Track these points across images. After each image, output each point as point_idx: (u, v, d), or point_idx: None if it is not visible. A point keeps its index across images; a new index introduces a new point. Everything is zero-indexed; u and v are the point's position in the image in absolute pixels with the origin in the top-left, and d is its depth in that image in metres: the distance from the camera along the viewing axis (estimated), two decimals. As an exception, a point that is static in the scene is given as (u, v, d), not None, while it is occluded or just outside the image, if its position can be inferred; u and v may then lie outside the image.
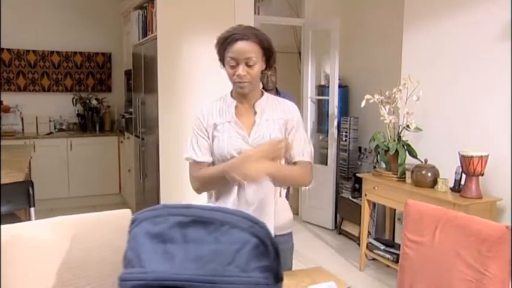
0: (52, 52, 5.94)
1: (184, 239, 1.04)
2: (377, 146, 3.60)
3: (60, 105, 5.99)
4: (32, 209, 2.55)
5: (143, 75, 4.39)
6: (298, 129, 1.83)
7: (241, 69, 1.69)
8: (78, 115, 6.03)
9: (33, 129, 5.77)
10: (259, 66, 1.73)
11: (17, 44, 5.78)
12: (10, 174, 2.89)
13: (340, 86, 5.05)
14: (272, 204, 1.79)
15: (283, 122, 1.82)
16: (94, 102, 5.92)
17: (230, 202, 1.77)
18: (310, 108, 5.22)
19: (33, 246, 1.43)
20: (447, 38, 3.46)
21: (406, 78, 3.55)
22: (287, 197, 2.20)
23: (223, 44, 1.74)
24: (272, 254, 1.11)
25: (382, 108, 3.56)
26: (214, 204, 1.83)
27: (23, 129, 5.77)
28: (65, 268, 1.46)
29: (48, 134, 5.72)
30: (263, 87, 3.62)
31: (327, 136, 5.03)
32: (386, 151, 3.52)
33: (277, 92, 3.90)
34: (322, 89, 5.20)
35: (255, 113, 1.80)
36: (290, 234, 1.92)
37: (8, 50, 5.76)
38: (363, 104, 3.60)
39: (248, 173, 1.61)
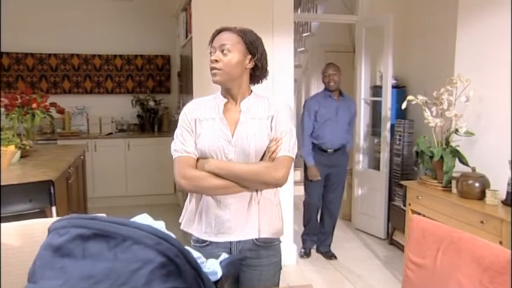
0: (115, 56, 6.22)
1: (83, 254, 0.96)
2: (421, 152, 3.29)
3: (122, 107, 6.25)
4: (53, 208, 2.64)
5: (187, 76, 4.42)
6: (280, 124, 1.73)
7: (215, 55, 1.69)
8: (138, 116, 6.25)
9: (97, 130, 6.09)
10: (236, 57, 1.69)
11: (84, 50, 6.13)
12: (45, 173, 3.01)
13: (396, 87, 4.73)
14: (254, 205, 1.71)
15: (271, 120, 1.73)
16: (151, 103, 6.11)
17: (211, 204, 1.73)
18: (364, 110, 4.95)
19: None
20: (504, 34, 3.07)
21: (456, 77, 3.21)
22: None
23: (210, 40, 1.74)
24: (188, 274, 1.01)
25: (426, 110, 3.25)
26: (191, 203, 1.79)
27: (88, 130, 6.11)
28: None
29: (108, 134, 5.99)
30: (325, 88, 4.03)
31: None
32: (431, 157, 3.21)
33: (340, 94, 4.05)
34: (377, 90, 4.90)
35: (241, 111, 1.73)
36: (276, 247, 1.79)
37: (78, 55, 6.13)
38: (404, 105, 3.32)
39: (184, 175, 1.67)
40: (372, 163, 4.97)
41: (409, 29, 4.69)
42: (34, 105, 3.96)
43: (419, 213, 3.67)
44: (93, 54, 6.16)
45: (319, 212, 4.22)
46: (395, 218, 4.42)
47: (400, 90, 4.76)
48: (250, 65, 1.74)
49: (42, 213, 2.78)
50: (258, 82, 1.83)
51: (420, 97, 3.28)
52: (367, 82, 4.93)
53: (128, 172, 5.83)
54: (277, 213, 1.79)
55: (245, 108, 1.74)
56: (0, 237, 1.40)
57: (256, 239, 1.73)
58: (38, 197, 2.58)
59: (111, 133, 6.03)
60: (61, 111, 4.34)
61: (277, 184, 1.71)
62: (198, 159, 1.74)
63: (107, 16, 6.14)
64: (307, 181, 4.09)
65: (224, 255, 1.44)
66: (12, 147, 3.33)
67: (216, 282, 1.29)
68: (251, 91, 1.80)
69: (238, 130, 1.71)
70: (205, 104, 1.79)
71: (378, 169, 4.72)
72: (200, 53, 3.65)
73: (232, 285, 1.81)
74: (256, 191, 1.72)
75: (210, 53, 1.72)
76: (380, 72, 4.95)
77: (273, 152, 1.70)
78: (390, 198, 4.65)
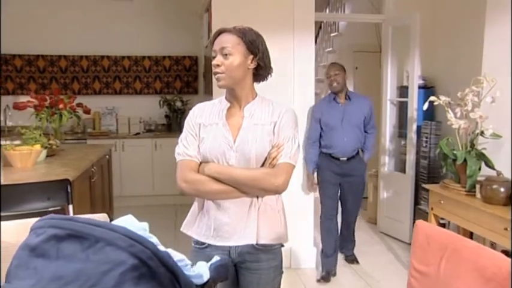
0: (144, 57, 6.33)
1: (57, 254, 0.97)
2: (444, 155, 3.18)
3: (150, 107, 6.35)
4: (70, 206, 2.70)
5: (209, 77, 4.44)
6: (282, 130, 1.71)
7: (216, 59, 1.68)
8: (165, 116, 6.34)
9: (126, 130, 6.21)
10: (238, 59, 1.67)
11: (114, 51, 6.27)
12: (67, 172, 3.09)
13: (424, 87, 4.60)
14: (254, 210, 1.70)
15: (273, 126, 1.71)
16: (179, 104, 6.18)
17: (212, 207, 1.73)
18: (390, 111, 4.83)
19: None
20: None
21: (482, 77, 3.08)
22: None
23: (211, 42, 1.73)
24: (163, 277, 1.00)
25: (450, 111, 3.13)
26: (193, 205, 1.79)
27: (117, 130, 6.24)
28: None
29: (135, 134, 6.10)
30: (331, 91, 3.67)
31: (408, 142, 4.60)
32: (454, 160, 3.09)
33: (346, 97, 3.67)
34: (403, 91, 4.78)
35: (244, 116, 1.72)
36: (276, 251, 1.76)
37: (108, 57, 6.27)
38: (425, 106, 3.22)
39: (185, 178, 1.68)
40: (398, 165, 4.85)
41: (438, 28, 4.55)
42: (61, 106, 4.07)
43: (442, 218, 3.56)
44: (122, 56, 6.29)
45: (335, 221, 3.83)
46: (421, 223, 4.29)
47: (428, 91, 4.61)
48: (253, 65, 1.73)
49: (62, 212, 2.85)
50: (262, 80, 1.81)
51: (443, 98, 3.17)
52: (393, 82, 4.81)
53: (155, 172, 5.92)
54: (279, 219, 1.76)
55: (248, 114, 1.73)
56: (0, 237, 1.43)
57: (256, 243, 1.71)
58: (55, 195, 2.65)
59: (138, 133, 6.14)
60: (87, 111, 4.46)
61: (276, 191, 1.68)
62: (201, 164, 1.74)
63: (135, 18, 6.26)
64: (320, 190, 3.80)
65: (216, 258, 1.43)
66: (37, 147, 3.43)
67: (203, 285, 1.28)
68: (256, 94, 1.79)
69: (240, 135, 1.70)
70: (210, 108, 1.79)
71: (404, 172, 4.60)
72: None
73: (232, 287, 1.80)
74: (257, 196, 1.70)
75: (213, 57, 1.71)
76: (407, 73, 4.82)
77: (273, 159, 1.68)
78: (416, 202, 4.53)
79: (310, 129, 3.70)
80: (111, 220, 1.15)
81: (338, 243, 3.83)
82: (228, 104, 1.76)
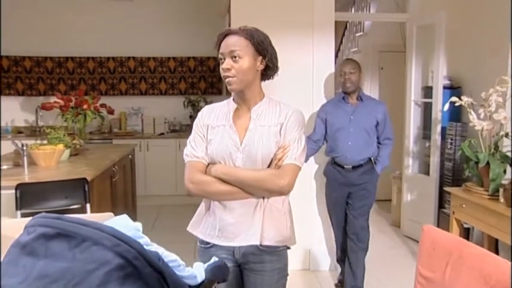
0: (169, 58, 6.41)
1: (45, 253, 0.99)
2: (467, 157, 3.08)
3: (175, 108, 6.43)
4: (88, 205, 2.76)
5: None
6: (288, 131, 1.70)
7: (225, 63, 1.66)
8: (190, 117, 6.40)
9: (151, 130, 6.30)
10: (247, 62, 1.66)
11: (140, 53, 6.38)
12: (87, 171, 3.16)
13: (450, 88, 4.47)
14: (259, 212, 1.69)
15: (280, 127, 1.70)
16: (202, 104, 6.22)
17: (218, 207, 1.73)
18: (414, 112, 4.72)
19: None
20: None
21: (508, 77, 2.98)
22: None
23: (217, 44, 1.72)
24: (150, 277, 1.01)
25: (472, 112, 3.03)
26: (200, 206, 1.80)
27: (142, 130, 6.34)
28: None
29: (160, 134, 6.18)
30: (342, 90, 3.27)
31: (433, 143, 4.49)
32: (477, 163, 2.99)
33: (358, 98, 3.27)
34: (429, 91, 4.66)
35: (251, 118, 1.72)
36: (281, 253, 1.74)
37: (134, 58, 6.39)
38: (446, 107, 3.13)
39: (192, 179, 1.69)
40: (422, 168, 4.73)
41: (465, 26, 4.41)
42: (85, 106, 4.17)
43: (465, 223, 3.45)
44: (148, 57, 6.39)
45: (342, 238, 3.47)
46: (445, 226, 4.17)
47: (455, 91, 4.48)
48: (262, 66, 1.72)
49: (81, 210, 2.92)
50: (268, 79, 1.80)
51: (465, 98, 3.07)
52: (417, 83, 4.70)
53: (178, 172, 5.97)
54: (285, 221, 1.75)
55: (255, 115, 1.73)
56: (0, 236, 1.47)
57: (260, 244, 1.70)
58: (73, 194, 2.72)
59: (163, 133, 6.22)
60: (111, 111, 4.55)
61: (281, 192, 1.67)
62: (208, 165, 1.74)
63: (161, 19, 6.34)
64: (326, 198, 3.47)
65: (214, 259, 1.43)
66: (60, 146, 3.52)
67: (198, 286, 1.28)
68: (263, 95, 1.78)
69: (246, 137, 1.70)
70: (218, 110, 1.80)
71: (428, 174, 4.49)
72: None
73: (236, 289, 1.80)
74: (263, 198, 1.70)
75: (220, 60, 1.70)
76: (432, 73, 4.70)
77: (279, 160, 1.67)
78: (441, 205, 4.41)
79: (314, 128, 3.35)
80: (134, 220, 1.16)
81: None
82: (235, 106, 1.77)
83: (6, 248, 1.06)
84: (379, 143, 3.30)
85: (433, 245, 1.51)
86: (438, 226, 4.36)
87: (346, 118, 3.22)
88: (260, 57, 1.70)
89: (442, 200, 4.40)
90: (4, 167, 3.41)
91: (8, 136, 5.85)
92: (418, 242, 4.44)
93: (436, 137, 4.34)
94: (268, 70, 1.76)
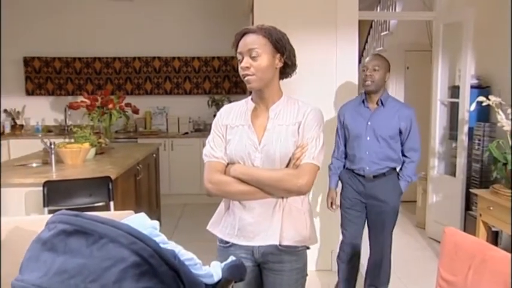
0: (193, 58, 6.47)
1: (64, 249, 1.02)
2: (495, 159, 3.00)
3: (199, 107, 6.48)
4: (111, 203, 2.81)
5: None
6: (306, 130, 1.70)
7: (244, 61, 1.67)
8: (214, 116, 6.41)
9: (176, 129, 6.37)
10: (266, 60, 1.66)
11: (165, 53, 6.46)
12: (111, 169, 3.22)
13: (478, 87, 4.36)
14: (278, 211, 1.69)
15: (298, 126, 1.71)
16: (226, 104, 6.22)
17: (237, 206, 1.74)
18: (440, 112, 4.63)
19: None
20: None
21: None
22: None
23: (235, 43, 1.73)
24: (166, 275, 1.02)
25: (500, 112, 2.96)
26: (220, 205, 1.81)
27: (167, 129, 6.42)
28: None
29: (184, 133, 6.24)
30: (364, 90, 2.91)
31: (460, 144, 4.38)
32: (505, 164, 2.91)
33: (379, 101, 2.85)
34: (455, 90, 4.56)
35: (269, 117, 1.71)
36: (300, 253, 1.74)
37: (159, 58, 6.47)
38: (473, 107, 3.06)
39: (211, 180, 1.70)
40: (448, 169, 4.64)
41: (493, 24, 4.30)
42: (111, 106, 4.24)
43: (493, 226, 3.37)
44: (172, 57, 6.46)
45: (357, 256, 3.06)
46: (472, 229, 4.07)
47: (483, 91, 4.37)
48: (280, 64, 1.72)
49: (105, 208, 2.98)
50: (286, 77, 1.79)
51: (493, 98, 3.00)
52: (444, 82, 4.61)
53: (202, 171, 5.92)
54: (305, 221, 1.74)
55: (273, 115, 1.73)
56: (0, 236, 1.51)
57: (279, 244, 1.69)
58: (97, 192, 2.77)
59: (187, 132, 6.27)
60: (136, 111, 4.62)
61: (299, 191, 1.66)
62: (228, 165, 1.75)
63: (185, 19, 6.40)
64: (341, 211, 3.03)
65: (231, 258, 1.43)
66: (86, 145, 3.60)
67: (215, 285, 1.29)
68: (282, 93, 1.78)
69: (265, 136, 1.70)
70: (236, 109, 1.80)
71: (454, 175, 4.40)
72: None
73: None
74: (282, 197, 1.69)
75: (238, 59, 1.71)
76: (459, 72, 4.60)
77: (297, 159, 1.67)
78: (468, 207, 4.31)
79: (336, 135, 3.04)
80: (158, 218, 1.18)
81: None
82: (253, 105, 1.77)
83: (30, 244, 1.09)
84: (403, 154, 2.89)
85: (455, 247, 1.48)
86: (464, 229, 4.27)
87: (363, 124, 2.84)
88: (278, 55, 1.70)
89: (469, 202, 4.30)
90: (34, 164, 3.51)
91: (38, 135, 6.01)
92: (443, 244, 4.39)
93: (463, 137, 4.25)
94: (287, 68, 1.76)
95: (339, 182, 3.03)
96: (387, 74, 2.83)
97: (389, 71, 2.85)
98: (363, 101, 2.88)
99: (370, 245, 3.00)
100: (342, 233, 3.02)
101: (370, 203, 2.88)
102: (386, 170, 2.84)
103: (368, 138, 2.79)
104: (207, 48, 6.44)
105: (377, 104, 2.84)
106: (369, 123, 2.81)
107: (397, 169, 2.91)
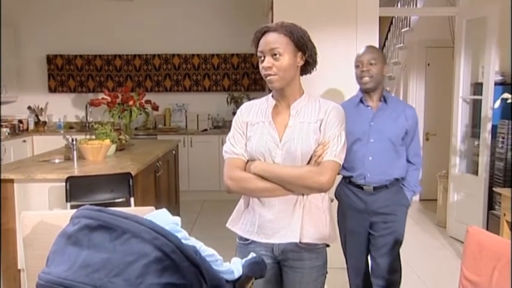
0: (212, 55, 6.49)
1: (88, 243, 1.03)
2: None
3: (218, 104, 6.51)
4: (132, 199, 2.84)
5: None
6: (328, 127, 1.69)
7: (266, 61, 1.66)
8: (233, 113, 6.44)
9: (194, 126, 6.41)
10: (288, 59, 1.65)
11: (184, 50, 6.49)
12: (131, 166, 3.26)
13: (503, 83, 4.28)
14: (298, 209, 1.69)
15: (320, 124, 1.70)
16: (245, 101, 6.23)
17: (257, 203, 1.74)
18: (462, 109, 4.55)
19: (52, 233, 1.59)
20: None
21: None
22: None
23: (255, 41, 1.72)
24: (187, 271, 1.03)
25: (525, 110, 2.89)
26: (239, 202, 1.81)
27: (186, 126, 6.46)
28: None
29: (203, 130, 6.27)
30: (360, 88, 2.54)
31: (483, 142, 4.30)
32: (530, 163, 2.85)
33: (382, 98, 2.49)
34: (478, 87, 4.48)
35: (290, 115, 1.71)
36: (320, 251, 1.73)
37: (178, 55, 6.51)
38: (497, 104, 2.99)
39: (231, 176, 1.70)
40: (470, 167, 4.56)
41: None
42: (131, 103, 4.29)
43: (516, 225, 3.30)
44: (192, 54, 6.49)
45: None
46: (495, 229, 4.00)
47: (508, 87, 4.29)
48: (302, 62, 1.71)
49: (126, 203, 3.01)
50: (307, 74, 1.78)
51: (517, 95, 2.93)
52: (466, 79, 4.53)
53: (221, 168, 6.00)
54: (324, 218, 1.73)
55: (294, 112, 1.72)
56: (0, 236, 1.54)
57: (299, 241, 1.69)
58: (118, 187, 2.80)
59: (206, 129, 6.30)
60: (155, 108, 4.66)
61: (321, 189, 1.66)
62: (248, 162, 1.75)
63: (205, 17, 6.43)
64: (340, 233, 2.56)
65: (251, 255, 1.44)
66: (107, 141, 3.64)
67: (235, 281, 1.29)
68: (303, 91, 1.77)
69: (286, 134, 1.70)
70: (257, 107, 1.80)
71: (477, 174, 4.32)
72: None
73: (275, 285, 1.80)
74: (303, 194, 1.69)
75: (259, 57, 1.69)
76: (483, 68, 4.52)
77: (318, 156, 1.66)
78: (490, 207, 4.23)
79: None
80: (177, 215, 1.20)
81: None
82: (274, 102, 1.76)
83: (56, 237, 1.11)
84: (407, 160, 2.53)
85: (478, 247, 1.45)
86: (487, 228, 4.20)
87: (365, 125, 2.44)
88: (300, 53, 1.69)
89: (492, 201, 4.23)
90: (56, 160, 3.57)
91: (60, 131, 6.11)
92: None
93: (486, 135, 4.17)
94: (308, 65, 1.75)
95: (334, 199, 2.57)
96: (385, 68, 2.46)
97: (386, 63, 2.50)
98: (361, 100, 2.50)
99: (373, 264, 2.58)
100: (346, 261, 2.64)
101: (375, 220, 2.47)
102: (390, 180, 2.45)
103: (372, 140, 2.41)
104: (226, 46, 6.45)
105: (379, 100, 2.48)
106: (372, 123, 2.43)
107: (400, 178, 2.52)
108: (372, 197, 2.44)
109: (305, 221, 1.68)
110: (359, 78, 2.45)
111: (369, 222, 2.48)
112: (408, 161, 2.51)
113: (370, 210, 2.46)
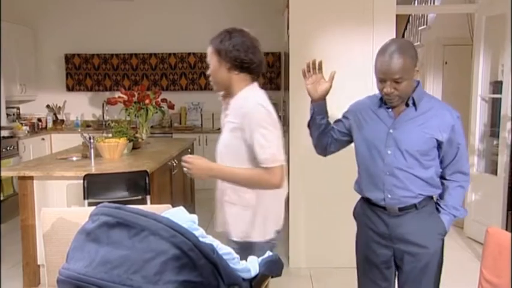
0: (228, 54, 6.49)
1: (107, 240, 1.05)
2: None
3: (233, 103, 6.50)
4: (148, 197, 2.86)
5: (287, 73, 4.44)
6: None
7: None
8: (248, 112, 6.44)
9: (210, 125, 6.43)
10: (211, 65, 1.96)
11: (199, 49, 6.50)
12: (147, 164, 3.28)
13: (522, 82, 4.20)
14: (225, 205, 1.89)
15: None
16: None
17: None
18: (480, 108, 4.48)
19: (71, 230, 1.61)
20: None
21: None
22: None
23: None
24: (205, 269, 1.03)
25: (546, 109, 2.83)
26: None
27: (201, 124, 6.49)
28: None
29: (218, 129, 6.26)
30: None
31: (502, 141, 4.23)
32: (551, 163, 2.79)
33: (409, 102, 1.86)
34: (498, 86, 4.41)
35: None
36: (246, 245, 1.83)
37: (194, 54, 6.53)
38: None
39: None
40: (489, 167, 4.49)
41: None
42: (147, 101, 4.32)
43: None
44: (206, 53, 6.49)
45: None
46: (514, 230, 3.95)
47: (527, 86, 4.22)
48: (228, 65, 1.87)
49: (142, 201, 3.03)
50: (257, 76, 1.97)
51: (538, 94, 2.87)
52: (485, 77, 4.46)
53: (236, 166, 6.04)
54: (239, 213, 1.91)
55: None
56: (0, 236, 1.56)
57: None
58: (134, 185, 2.82)
59: (219, 128, 6.30)
60: (171, 106, 4.68)
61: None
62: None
63: (220, 15, 6.43)
64: (358, 264, 2.11)
65: (268, 253, 1.44)
66: (124, 139, 3.67)
67: (252, 279, 1.29)
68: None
69: None
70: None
71: (496, 174, 4.25)
72: (296, 50, 3.66)
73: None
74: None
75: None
76: (503, 66, 4.44)
77: None
78: (510, 207, 4.16)
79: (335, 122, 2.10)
80: (192, 213, 1.21)
81: None
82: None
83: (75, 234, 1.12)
84: (443, 178, 1.93)
85: (498, 248, 1.43)
86: (506, 229, 4.13)
87: (382, 131, 1.89)
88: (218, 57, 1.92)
89: (511, 202, 4.16)
90: (74, 158, 3.61)
91: (77, 129, 6.19)
92: (482, 244, 4.25)
93: (506, 134, 4.10)
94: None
95: None
96: (415, 70, 1.81)
97: (416, 60, 1.81)
98: (381, 100, 1.91)
99: None
100: None
101: (398, 248, 1.91)
102: (419, 199, 1.87)
103: (389, 152, 1.85)
104: (242, 44, 6.45)
105: (406, 105, 1.87)
106: (391, 131, 1.86)
107: (435, 198, 1.96)
108: (396, 220, 1.89)
109: (232, 217, 1.91)
110: (381, 95, 1.87)
111: (392, 250, 1.93)
112: (445, 178, 1.92)
113: (394, 236, 1.90)
